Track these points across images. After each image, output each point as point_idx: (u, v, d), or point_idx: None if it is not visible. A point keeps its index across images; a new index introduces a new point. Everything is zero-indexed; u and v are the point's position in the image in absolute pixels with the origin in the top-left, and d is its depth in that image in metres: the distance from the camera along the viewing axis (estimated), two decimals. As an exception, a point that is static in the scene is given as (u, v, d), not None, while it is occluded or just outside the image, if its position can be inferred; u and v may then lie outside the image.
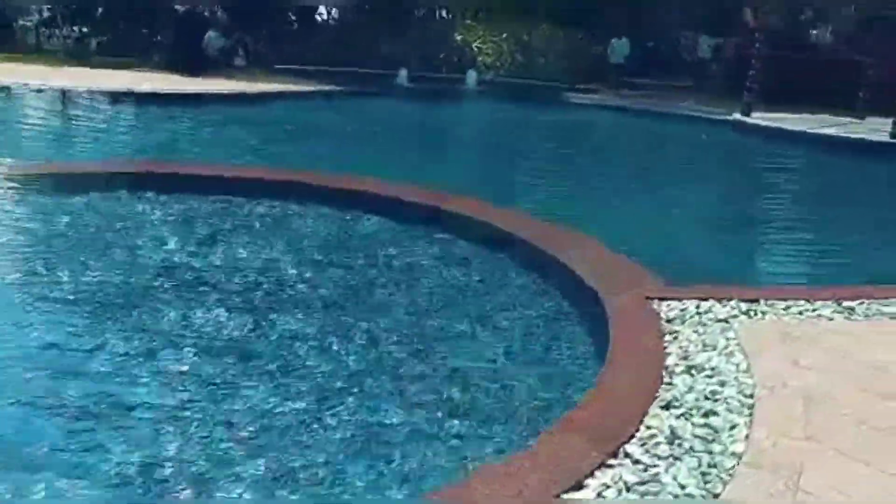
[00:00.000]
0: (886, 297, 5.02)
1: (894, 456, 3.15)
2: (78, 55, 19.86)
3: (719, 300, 4.87)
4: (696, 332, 4.38)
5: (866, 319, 4.74)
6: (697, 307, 4.75)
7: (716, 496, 2.85)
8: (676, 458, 3.08)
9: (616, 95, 19.32)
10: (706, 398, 3.58)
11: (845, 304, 4.91)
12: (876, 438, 3.29)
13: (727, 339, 4.28)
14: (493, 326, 4.84)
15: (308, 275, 5.49)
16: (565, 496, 2.79)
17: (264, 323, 4.63)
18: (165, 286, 5.14)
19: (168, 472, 3.18)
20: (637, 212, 8.25)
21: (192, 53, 18.47)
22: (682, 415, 3.41)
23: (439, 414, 3.70)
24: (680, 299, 4.86)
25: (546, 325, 4.89)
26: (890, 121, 14.27)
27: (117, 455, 3.26)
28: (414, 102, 17.73)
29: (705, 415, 3.42)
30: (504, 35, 21.95)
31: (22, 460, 3.21)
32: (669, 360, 3.96)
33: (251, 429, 3.51)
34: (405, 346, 4.47)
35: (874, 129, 15.00)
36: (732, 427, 3.32)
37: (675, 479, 2.94)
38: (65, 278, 5.16)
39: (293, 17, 24.23)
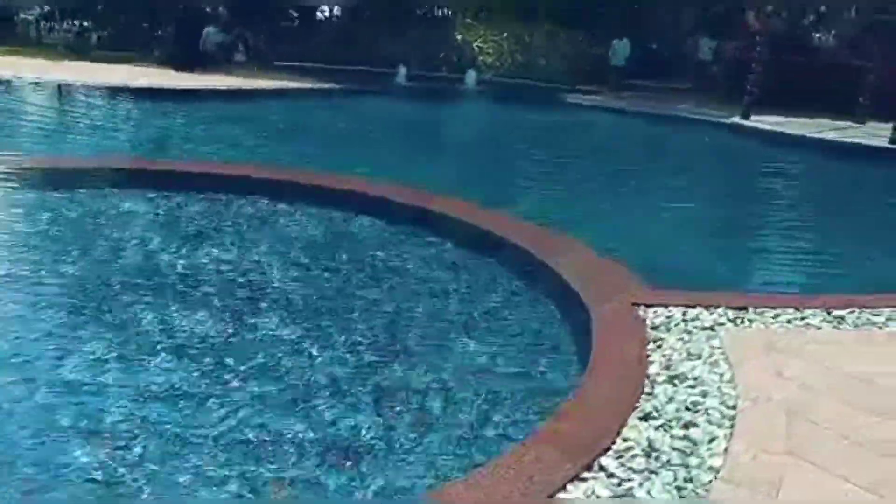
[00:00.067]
0: (876, 307, 4.94)
1: (875, 472, 3.07)
2: (78, 49, 19.85)
3: (707, 307, 4.79)
4: (681, 339, 4.30)
5: (855, 329, 4.66)
6: (684, 314, 4.67)
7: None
8: (652, 472, 3.01)
9: (616, 97, 19.24)
10: (687, 409, 3.51)
11: (835, 312, 4.83)
12: (858, 454, 3.22)
13: (712, 347, 4.20)
14: (474, 331, 4.76)
15: (286, 278, 5.42)
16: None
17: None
18: (145, 285, 5.07)
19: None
20: (628, 215, 8.17)
21: (190, 49, 18.42)
22: (660, 426, 3.34)
23: (404, 422, 3.62)
24: (667, 306, 4.79)
25: (527, 330, 4.81)
26: (889, 126, 14.18)
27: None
28: (411, 102, 17.66)
29: (685, 426, 3.35)
30: (505, 35, 21.90)
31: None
32: (652, 369, 3.89)
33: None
34: (377, 351, 4.40)
35: (874, 134, 14.92)
36: (712, 440, 3.25)
37: (649, 493, 2.87)
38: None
39: (294, 15, 24.20)
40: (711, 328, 4.48)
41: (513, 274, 5.63)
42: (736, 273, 6.71)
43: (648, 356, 4.05)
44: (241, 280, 5.30)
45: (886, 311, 4.91)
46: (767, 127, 15.63)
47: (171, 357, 4.07)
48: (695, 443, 3.22)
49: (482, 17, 23.02)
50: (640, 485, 2.92)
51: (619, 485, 2.93)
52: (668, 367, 3.93)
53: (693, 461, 3.09)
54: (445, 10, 24.36)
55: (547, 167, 10.81)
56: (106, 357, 4.03)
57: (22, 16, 23.91)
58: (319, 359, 4.20)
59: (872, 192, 11.29)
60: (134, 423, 3.45)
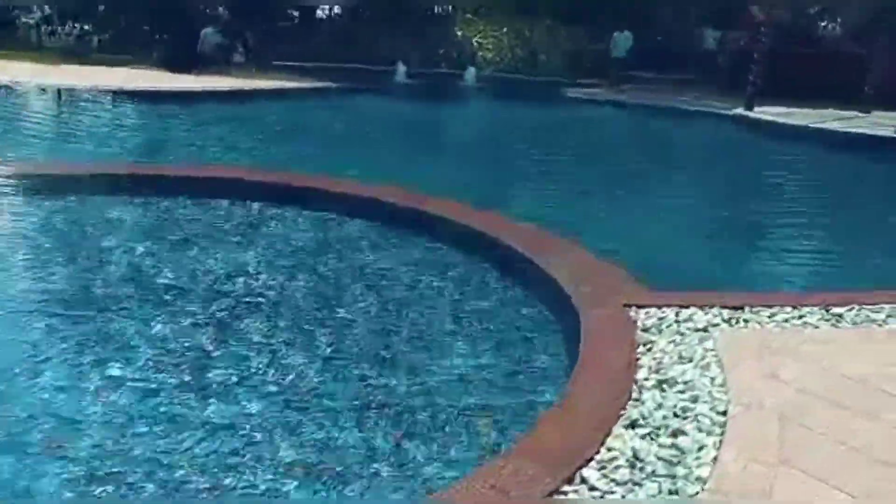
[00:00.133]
0: (876, 303, 4.80)
1: (871, 481, 2.94)
2: (79, 52, 19.81)
3: (701, 307, 4.65)
4: (672, 342, 4.17)
5: (854, 327, 4.53)
6: (677, 315, 4.54)
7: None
8: (636, 484, 2.89)
9: (618, 91, 19.05)
10: (675, 416, 3.38)
11: (834, 310, 4.69)
12: (853, 460, 3.09)
13: (705, 349, 4.07)
14: (462, 332, 4.65)
15: (270, 280, 5.33)
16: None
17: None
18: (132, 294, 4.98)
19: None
20: (627, 211, 8.03)
21: (188, 51, 18.35)
22: (647, 434, 3.22)
23: (383, 427, 3.51)
24: (660, 306, 4.65)
25: (514, 334, 4.68)
26: (895, 115, 13.97)
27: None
28: (410, 99, 17.53)
29: (673, 434, 3.23)
30: (504, 30, 21.74)
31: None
32: (640, 374, 3.76)
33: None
34: (361, 352, 4.29)
35: (880, 123, 14.72)
36: (700, 448, 3.12)
37: (631, 506, 2.76)
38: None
39: (293, 14, 24.12)
40: (705, 329, 4.35)
41: (501, 274, 5.51)
42: (736, 267, 6.57)
43: (638, 360, 3.92)
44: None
45: (887, 307, 4.77)
46: (772, 118, 15.44)
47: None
48: (682, 451, 3.10)
49: (482, 13, 22.87)
50: (623, 497, 2.81)
51: (602, 497, 2.81)
52: (657, 372, 3.80)
53: (680, 471, 2.97)
54: (445, 7, 24.22)
55: (546, 166, 10.67)
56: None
57: (24, 20, 23.92)
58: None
59: (877, 183, 11.11)
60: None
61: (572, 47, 20.92)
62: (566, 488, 2.84)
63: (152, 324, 4.49)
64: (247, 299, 4.97)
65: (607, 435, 3.18)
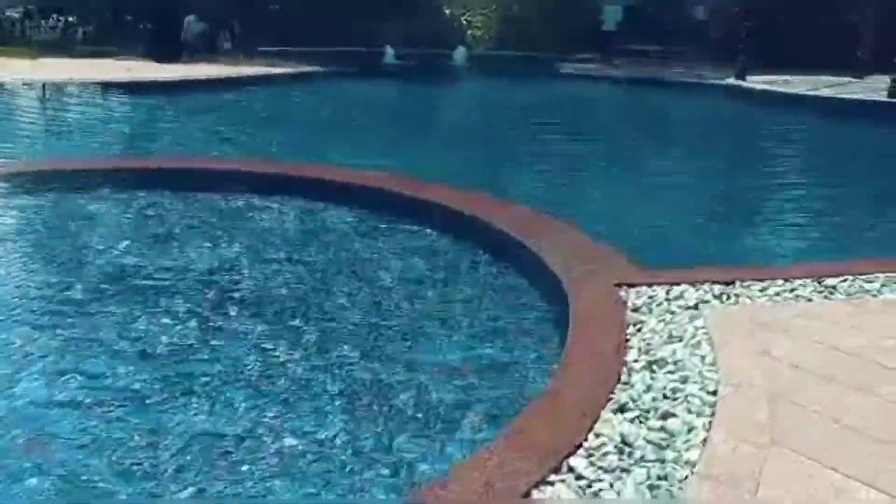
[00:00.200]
0: (870, 272, 4.73)
1: (867, 460, 2.87)
2: (63, 45, 19.59)
3: (692, 284, 4.58)
4: (662, 321, 4.09)
5: (847, 298, 4.45)
6: (667, 293, 4.46)
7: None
8: (624, 471, 2.82)
9: (609, 64, 18.88)
10: (665, 397, 3.31)
11: (826, 282, 4.62)
12: (848, 439, 3.02)
13: (695, 328, 3.99)
14: (450, 314, 4.58)
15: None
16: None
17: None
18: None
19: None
20: (621, 186, 7.95)
21: (171, 40, 18.14)
22: (636, 418, 3.14)
23: (366, 417, 3.46)
24: (650, 285, 4.58)
25: (503, 316, 4.61)
26: (888, 79, 13.85)
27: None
28: (400, 82, 17.36)
29: (662, 417, 3.15)
30: (494, 7, 21.49)
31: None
32: (630, 356, 3.68)
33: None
34: (344, 338, 4.24)
35: (873, 88, 14.59)
36: (690, 430, 3.05)
37: (619, 494, 2.69)
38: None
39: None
40: (695, 307, 4.27)
41: (491, 254, 5.43)
42: (725, 240, 6.50)
43: (627, 341, 3.85)
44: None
45: (881, 276, 4.70)
46: (765, 87, 15.31)
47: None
48: (672, 434, 3.03)
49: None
50: (611, 485, 2.74)
51: (589, 486, 2.74)
52: (647, 353, 3.72)
53: (669, 455, 2.89)
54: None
55: (541, 145, 10.54)
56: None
57: (7, 13, 23.66)
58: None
59: (873, 147, 11.01)
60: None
61: (562, 21, 20.66)
62: (552, 478, 2.76)
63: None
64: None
65: (595, 420, 3.11)
